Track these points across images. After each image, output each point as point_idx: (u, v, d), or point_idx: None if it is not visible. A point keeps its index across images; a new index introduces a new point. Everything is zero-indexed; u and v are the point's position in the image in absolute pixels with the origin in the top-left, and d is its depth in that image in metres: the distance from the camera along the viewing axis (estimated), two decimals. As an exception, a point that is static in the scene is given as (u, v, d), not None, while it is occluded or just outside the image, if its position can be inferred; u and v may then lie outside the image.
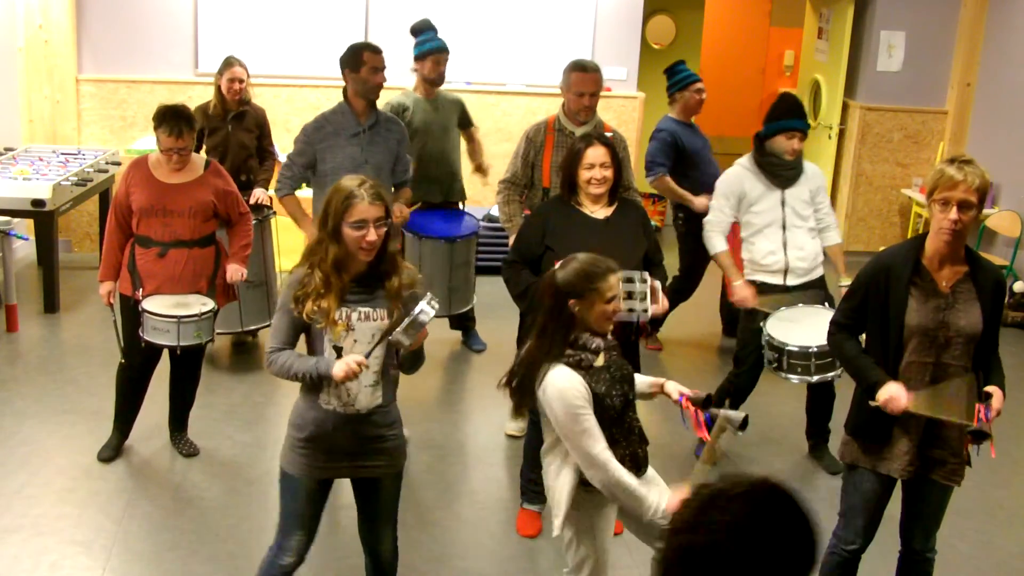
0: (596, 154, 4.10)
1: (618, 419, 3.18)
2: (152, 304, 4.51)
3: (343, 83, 4.94)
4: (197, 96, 7.73)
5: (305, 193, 7.69)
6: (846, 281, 4.80)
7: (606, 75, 8.15)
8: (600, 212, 4.18)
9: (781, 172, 4.78)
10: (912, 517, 3.56)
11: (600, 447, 3.05)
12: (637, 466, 3.22)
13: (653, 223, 8.02)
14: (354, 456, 3.25)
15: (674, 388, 3.28)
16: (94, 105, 7.75)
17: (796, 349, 4.50)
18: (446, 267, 5.60)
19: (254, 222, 5.13)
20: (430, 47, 5.64)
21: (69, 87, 7.62)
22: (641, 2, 8.27)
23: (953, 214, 3.14)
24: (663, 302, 4.00)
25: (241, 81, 6.08)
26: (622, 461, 3.14)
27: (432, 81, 5.69)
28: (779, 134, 4.73)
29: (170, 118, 4.53)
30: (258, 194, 6.10)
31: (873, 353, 3.36)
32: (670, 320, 6.49)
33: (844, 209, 8.66)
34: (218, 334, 5.28)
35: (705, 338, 6.61)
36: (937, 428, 3.33)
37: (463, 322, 6.29)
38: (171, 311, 4.49)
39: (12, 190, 6.35)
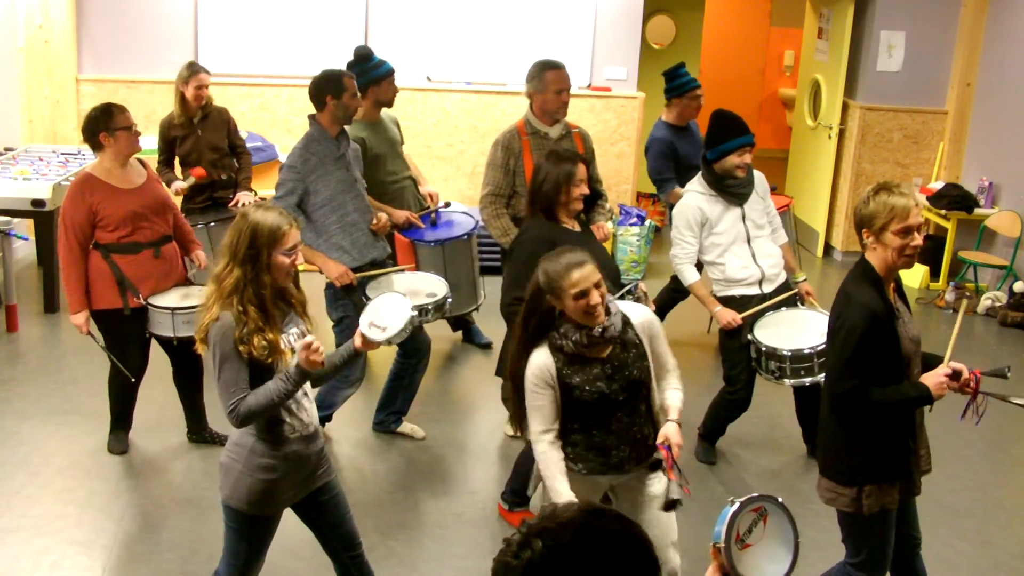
0: (582, 171, 4.20)
1: (595, 414, 3.22)
2: (166, 301, 4.61)
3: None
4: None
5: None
6: (801, 276, 4.93)
7: (606, 75, 8.27)
8: (575, 226, 4.28)
9: (740, 191, 4.80)
10: (905, 511, 3.50)
11: (538, 429, 3.21)
12: (608, 469, 3.29)
13: (653, 223, 8.07)
14: (314, 470, 3.28)
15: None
16: (94, 105, 7.73)
17: (788, 353, 4.55)
18: (441, 269, 5.61)
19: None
20: (388, 68, 5.52)
21: (69, 87, 7.62)
22: (641, 2, 8.28)
23: (918, 239, 3.21)
24: (651, 302, 4.14)
25: (207, 87, 6.10)
26: (587, 453, 3.25)
27: (388, 102, 5.57)
28: (731, 154, 4.71)
29: (113, 105, 4.69)
30: (244, 198, 6.08)
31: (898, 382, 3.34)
32: (670, 320, 6.49)
33: (844, 209, 8.66)
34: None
35: (705, 337, 6.61)
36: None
37: (461, 321, 6.31)
38: (189, 303, 4.57)
39: (12, 190, 6.35)
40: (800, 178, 9.55)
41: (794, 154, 9.78)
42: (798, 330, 4.64)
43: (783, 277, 4.91)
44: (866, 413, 3.27)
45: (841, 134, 8.72)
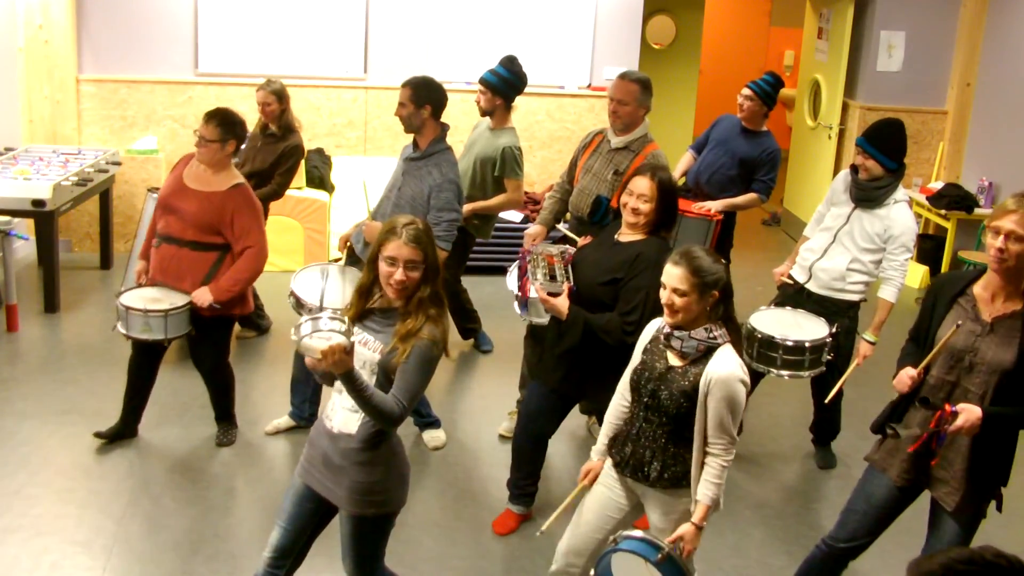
0: (639, 184, 3.90)
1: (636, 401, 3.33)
2: (130, 294, 4.67)
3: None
4: (197, 96, 7.76)
5: (308, 193, 7.69)
6: (869, 336, 4.72)
7: (606, 75, 8.27)
8: (626, 237, 4.00)
9: (854, 187, 4.76)
10: (929, 548, 3.47)
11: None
12: (620, 463, 3.36)
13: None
14: (323, 472, 3.20)
15: None
16: (94, 105, 7.76)
17: (774, 339, 4.51)
18: None
19: None
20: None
21: (69, 87, 7.62)
22: (641, 2, 8.28)
23: (999, 242, 3.11)
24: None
25: (268, 105, 5.95)
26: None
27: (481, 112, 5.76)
28: (856, 147, 4.76)
29: (210, 111, 4.76)
30: None
31: (915, 362, 3.38)
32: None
33: (844, 209, 8.66)
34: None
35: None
36: (939, 446, 3.30)
37: (464, 325, 6.27)
38: (144, 303, 4.61)
39: (12, 190, 6.35)
40: (800, 178, 9.55)
41: (794, 154, 9.79)
42: (796, 327, 4.64)
43: (838, 296, 4.80)
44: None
45: (841, 134, 8.73)
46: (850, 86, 8.63)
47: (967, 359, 3.24)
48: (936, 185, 8.29)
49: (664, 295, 3.13)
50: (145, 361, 4.88)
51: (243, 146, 5.95)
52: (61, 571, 3.96)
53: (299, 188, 7.49)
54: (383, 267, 3.08)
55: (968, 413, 3.14)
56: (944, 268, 8.01)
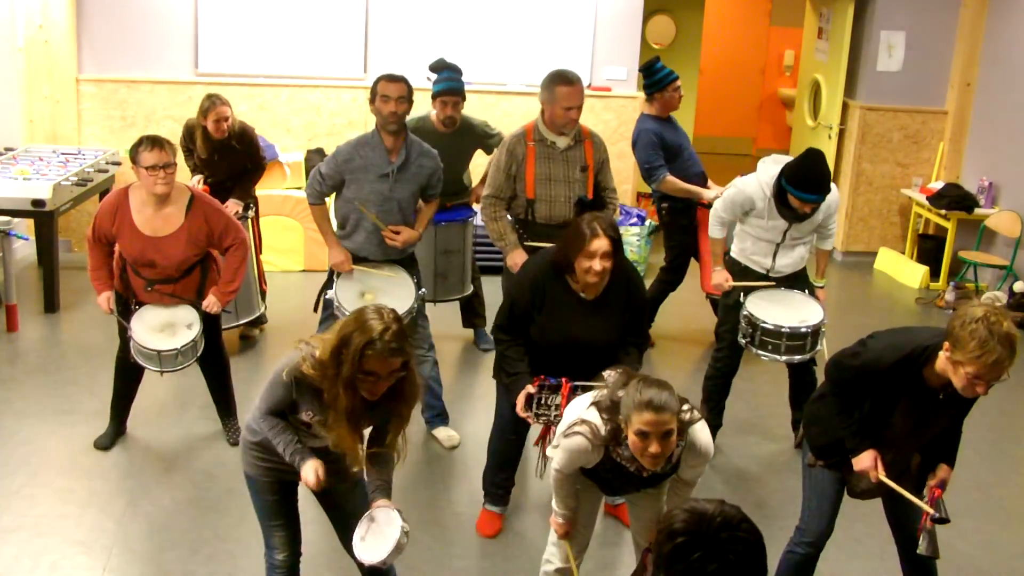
0: (601, 245, 3.67)
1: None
2: (139, 325, 4.58)
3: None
4: (197, 96, 7.73)
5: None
6: (820, 282, 5.06)
7: (606, 75, 8.27)
8: (587, 294, 3.89)
9: (791, 219, 4.76)
10: (896, 511, 3.62)
11: (558, 467, 3.27)
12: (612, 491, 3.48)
13: (653, 223, 8.03)
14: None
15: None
16: (94, 105, 7.75)
17: (770, 327, 4.70)
18: (431, 252, 5.62)
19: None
20: (436, 88, 5.55)
21: (69, 87, 7.62)
22: (641, 2, 8.28)
23: (982, 389, 3.04)
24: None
25: (227, 119, 5.89)
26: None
27: (442, 122, 5.58)
28: (797, 200, 4.64)
29: (146, 138, 4.51)
30: (231, 207, 5.81)
31: (859, 428, 3.38)
32: (663, 314, 6.49)
33: (844, 209, 8.66)
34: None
35: (698, 334, 6.62)
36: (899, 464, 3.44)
37: (471, 319, 6.32)
38: (155, 337, 4.55)
39: (12, 190, 6.35)
40: (800, 178, 9.53)
41: (794, 154, 9.76)
42: (791, 310, 4.79)
43: (797, 269, 4.98)
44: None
45: (841, 134, 8.72)
46: (850, 86, 8.63)
47: (927, 432, 3.38)
48: (936, 185, 8.28)
49: (652, 446, 2.93)
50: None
51: (199, 172, 6.04)
52: (61, 571, 3.96)
53: (299, 188, 7.49)
54: (365, 378, 2.92)
55: (946, 477, 3.43)
56: (944, 268, 8.02)
